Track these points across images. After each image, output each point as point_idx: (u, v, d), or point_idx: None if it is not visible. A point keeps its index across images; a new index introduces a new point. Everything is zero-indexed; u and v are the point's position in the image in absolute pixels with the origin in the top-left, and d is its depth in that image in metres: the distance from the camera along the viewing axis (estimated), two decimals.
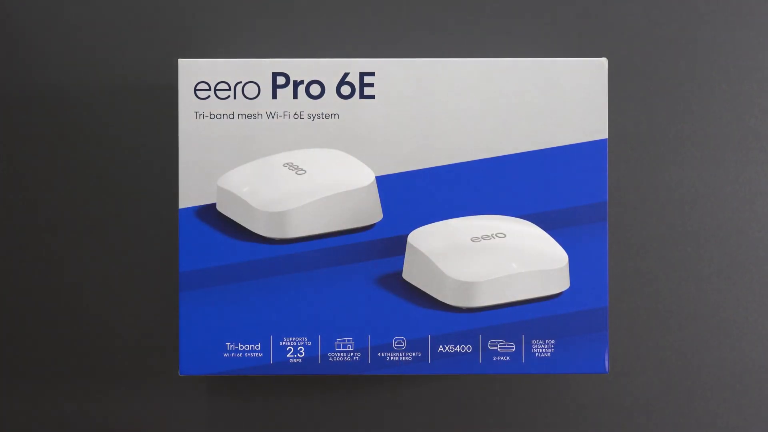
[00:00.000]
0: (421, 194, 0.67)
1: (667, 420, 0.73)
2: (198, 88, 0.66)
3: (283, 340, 0.66)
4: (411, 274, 0.66)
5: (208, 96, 0.66)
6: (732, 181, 0.73)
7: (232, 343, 0.66)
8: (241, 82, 0.66)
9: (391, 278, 0.66)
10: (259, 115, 0.66)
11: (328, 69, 0.66)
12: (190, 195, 0.66)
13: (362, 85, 0.66)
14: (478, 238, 0.66)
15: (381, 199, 0.67)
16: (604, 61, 0.67)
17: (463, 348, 0.66)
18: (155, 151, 0.71)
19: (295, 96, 0.66)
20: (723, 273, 0.73)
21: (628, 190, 0.72)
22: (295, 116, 0.66)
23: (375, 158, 0.67)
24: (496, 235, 0.66)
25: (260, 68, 0.66)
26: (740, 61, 0.73)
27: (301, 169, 0.67)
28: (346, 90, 0.66)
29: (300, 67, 0.66)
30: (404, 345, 0.66)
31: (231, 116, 0.66)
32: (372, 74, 0.66)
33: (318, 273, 0.66)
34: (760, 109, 0.73)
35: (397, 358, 0.66)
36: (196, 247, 0.66)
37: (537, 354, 0.66)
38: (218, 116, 0.66)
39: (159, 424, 0.72)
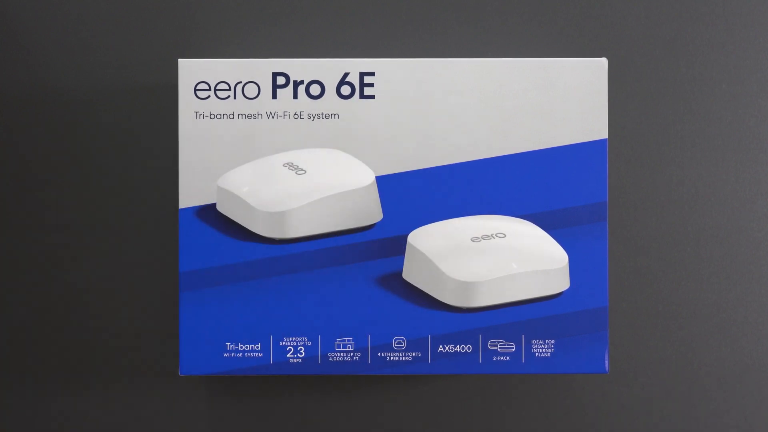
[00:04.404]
0: (421, 194, 0.67)
1: (667, 420, 0.73)
2: (198, 88, 0.66)
3: (283, 340, 0.66)
4: (411, 274, 0.66)
5: (208, 96, 0.66)
6: (732, 181, 0.73)
7: (232, 343, 0.66)
8: (241, 82, 0.66)
9: (391, 278, 0.66)
10: (259, 115, 0.66)
11: (328, 69, 0.66)
12: (190, 195, 0.66)
13: (362, 85, 0.66)
14: (478, 238, 0.66)
15: (381, 199, 0.67)
16: (604, 61, 0.67)
17: (463, 348, 0.66)
18: (155, 151, 0.71)
19: (295, 96, 0.66)
20: (723, 273, 0.73)
21: (628, 190, 0.72)
22: (295, 116, 0.66)
23: (375, 158, 0.67)
24: (496, 235, 0.66)
25: (260, 68, 0.66)
26: (740, 61, 0.73)
27: (301, 169, 0.67)
28: (346, 90, 0.66)
29: (300, 67, 0.66)
30: (404, 345, 0.66)
31: (231, 116, 0.66)
32: (372, 74, 0.66)
33: (318, 273, 0.66)
34: (760, 109, 0.73)
35: (397, 358, 0.66)
36: (196, 247, 0.66)
37: (537, 354, 0.66)
38: (218, 116, 0.66)
39: (159, 424, 0.72)
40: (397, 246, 0.67)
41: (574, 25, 0.72)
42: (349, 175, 0.67)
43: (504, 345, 0.66)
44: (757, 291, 0.73)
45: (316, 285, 0.66)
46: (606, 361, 0.66)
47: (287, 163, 0.67)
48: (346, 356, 0.66)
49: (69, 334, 0.72)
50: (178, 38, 0.72)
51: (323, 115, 0.66)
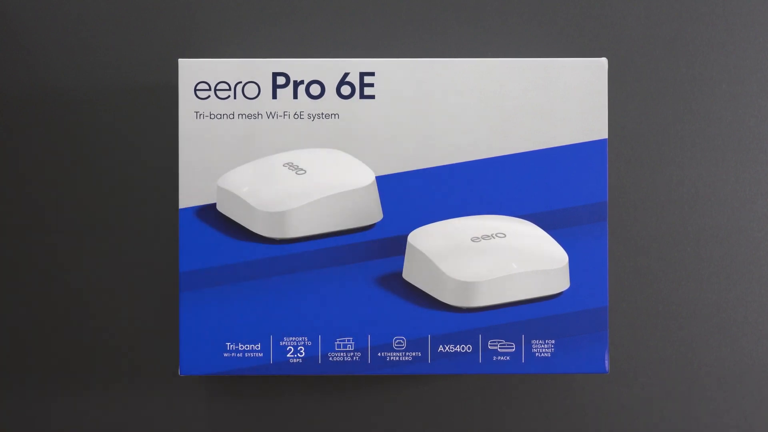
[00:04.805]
0: (421, 194, 0.67)
1: (667, 420, 0.73)
2: (198, 88, 0.66)
3: (283, 340, 0.66)
4: (411, 274, 0.66)
5: (208, 96, 0.66)
6: (732, 181, 0.73)
7: (232, 343, 0.66)
8: (241, 82, 0.66)
9: (391, 278, 0.66)
10: (259, 115, 0.66)
11: (328, 69, 0.66)
12: (190, 195, 0.66)
13: (362, 85, 0.66)
14: (478, 238, 0.66)
15: (381, 199, 0.67)
16: (604, 61, 0.67)
17: (463, 348, 0.66)
18: (155, 151, 0.71)
19: (295, 96, 0.66)
20: (723, 273, 0.73)
21: (628, 190, 0.72)
22: (295, 116, 0.66)
23: (375, 158, 0.67)
24: (496, 235, 0.66)
25: (260, 68, 0.66)
26: (740, 61, 0.73)
27: (301, 169, 0.67)
28: (346, 90, 0.66)
29: (300, 67, 0.66)
30: (404, 345, 0.66)
31: (231, 116, 0.66)
32: (372, 74, 0.66)
33: (318, 273, 0.66)
34: (760, 109, 0.73)
35: (397, 358, 0.66)
36: (196, 247, 0.66)
37: (537, 354, 0.66)
38: (218, 116, 0.66)
39: (159, 424, 0.72)
40: (397, 246, 0.67)
41: (574, 25, 0.72)
42: (349, 175, 0.67)
43: (504, 345, 0.66)
44: (757, 291, 0.73)
45: (316, 285, 0.66)
46: (606, 361, 0.66)
47: (287, 163, 0.67)
48: (346, 356, 0.66)
49: (69, 334, 0.72)
50: (178, 38, 0.72)
51: (323, 115, 0.66)
